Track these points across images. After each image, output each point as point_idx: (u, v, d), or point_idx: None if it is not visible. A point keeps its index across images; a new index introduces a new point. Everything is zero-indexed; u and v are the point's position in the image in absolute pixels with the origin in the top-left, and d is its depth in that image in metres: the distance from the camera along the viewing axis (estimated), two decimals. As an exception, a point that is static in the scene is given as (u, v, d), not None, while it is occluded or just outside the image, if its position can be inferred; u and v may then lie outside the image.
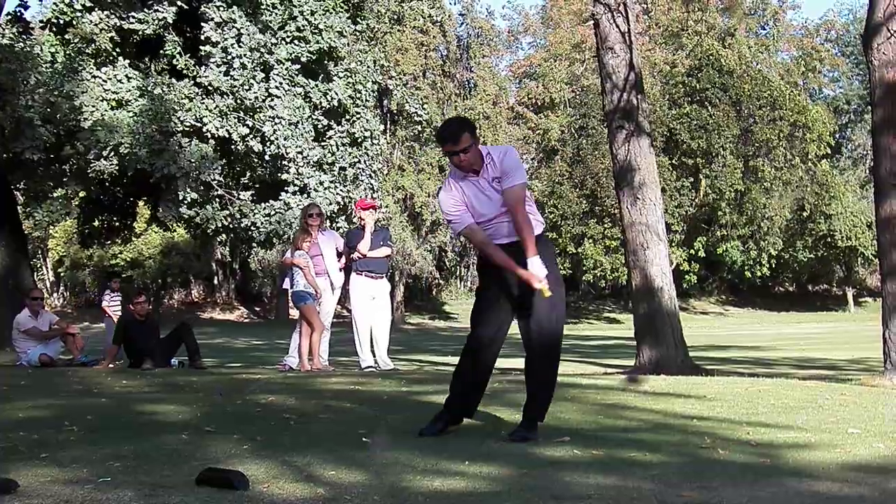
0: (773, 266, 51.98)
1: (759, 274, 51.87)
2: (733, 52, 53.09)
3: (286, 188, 25.79)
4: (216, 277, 59.48)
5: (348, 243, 12.95)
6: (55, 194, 24.24)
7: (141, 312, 13.73)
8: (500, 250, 6.90)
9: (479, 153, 6.82)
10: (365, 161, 26.79)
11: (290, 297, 13.25)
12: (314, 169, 25.70)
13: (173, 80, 25.18)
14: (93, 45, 24.05)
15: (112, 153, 21.38)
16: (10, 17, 22.70)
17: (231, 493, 5.02)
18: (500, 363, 7.74)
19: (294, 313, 13.22)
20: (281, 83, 25.92)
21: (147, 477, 5.38)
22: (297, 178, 25.74)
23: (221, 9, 25.35)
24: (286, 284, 13.18)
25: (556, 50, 57.05)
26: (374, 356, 12.92)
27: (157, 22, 25.04)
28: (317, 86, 26.46)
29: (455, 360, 7.43)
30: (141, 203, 30.41)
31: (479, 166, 6.83)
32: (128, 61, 24.82)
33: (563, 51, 56.15)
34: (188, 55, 25.80)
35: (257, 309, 59.05)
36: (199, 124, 24.55)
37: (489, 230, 6.90)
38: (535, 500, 4.76)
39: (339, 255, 13.12)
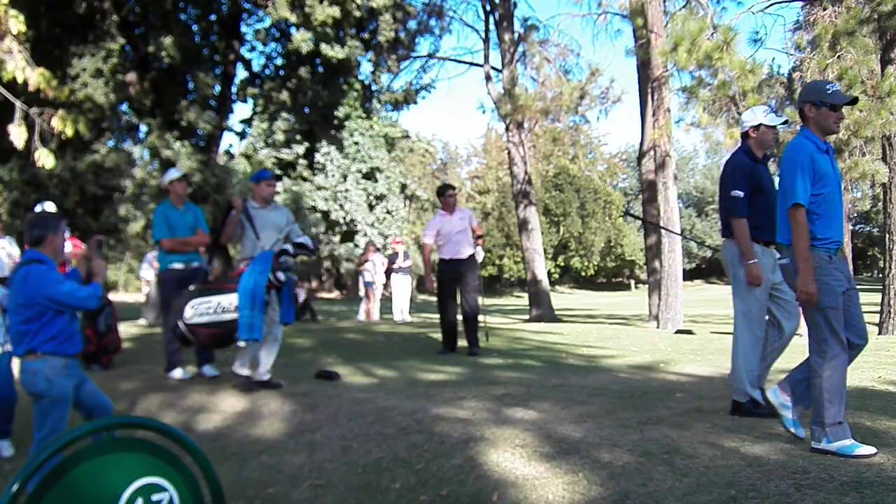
0: (595, 269, 52.02)
1: (588, 274, 51.93)
2: (576, 164, 53.25)
3: (356, 235, 26.47)
4: (324, 276, 59.02)
5: (391, 262, 12.83)
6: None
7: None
8: (428, 259, 6.56)
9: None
10: (388, 222, 27.40)
11: (360, 284, 13.11)
12: (370, 227, 26.04)
13: (302, 183, 25.54)
14: (267, 164, 24.38)
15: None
16: (224, 152, 22.78)
17: (332, 382, 5.09)
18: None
19: (362, 293, 13.09)
20: (353, 183, 26.34)
21: (290, 374, 5.44)
22: (361, 231, 26.38)
23: (325, 147, 25.82)
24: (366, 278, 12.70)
25: (490, 164, 57.08)
26: (402, 314, 12.84)
27: (293, 154, 25.43)
28: (370, 184, 27.01)
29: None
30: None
31: (454, 210, 6.68)
32: (280, 172, 25.03)
33: (494, 164, 56.18)
34: (309, 169, 26.17)
35: (344, 292, 58.60)
36: (313, 204, 24.91)
37: (451, 242, 6.55)
38: (481, 383, 4.81)
39: (385, 266, 12.99)
